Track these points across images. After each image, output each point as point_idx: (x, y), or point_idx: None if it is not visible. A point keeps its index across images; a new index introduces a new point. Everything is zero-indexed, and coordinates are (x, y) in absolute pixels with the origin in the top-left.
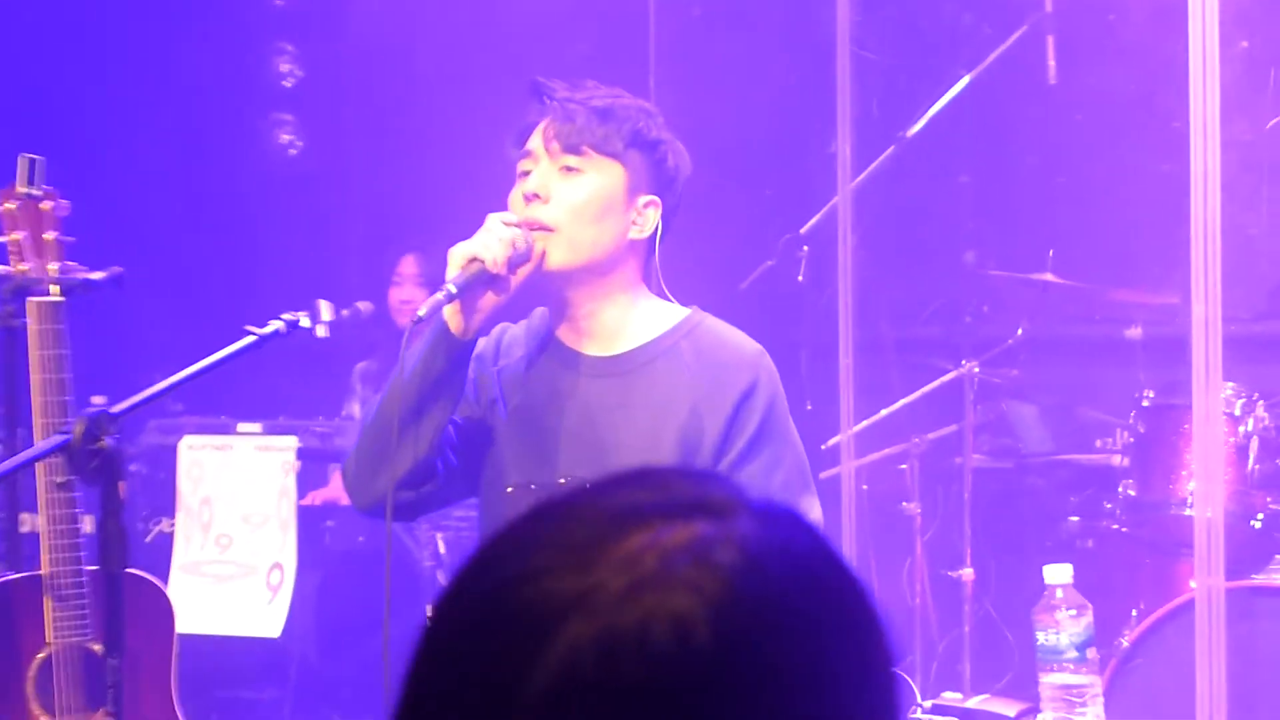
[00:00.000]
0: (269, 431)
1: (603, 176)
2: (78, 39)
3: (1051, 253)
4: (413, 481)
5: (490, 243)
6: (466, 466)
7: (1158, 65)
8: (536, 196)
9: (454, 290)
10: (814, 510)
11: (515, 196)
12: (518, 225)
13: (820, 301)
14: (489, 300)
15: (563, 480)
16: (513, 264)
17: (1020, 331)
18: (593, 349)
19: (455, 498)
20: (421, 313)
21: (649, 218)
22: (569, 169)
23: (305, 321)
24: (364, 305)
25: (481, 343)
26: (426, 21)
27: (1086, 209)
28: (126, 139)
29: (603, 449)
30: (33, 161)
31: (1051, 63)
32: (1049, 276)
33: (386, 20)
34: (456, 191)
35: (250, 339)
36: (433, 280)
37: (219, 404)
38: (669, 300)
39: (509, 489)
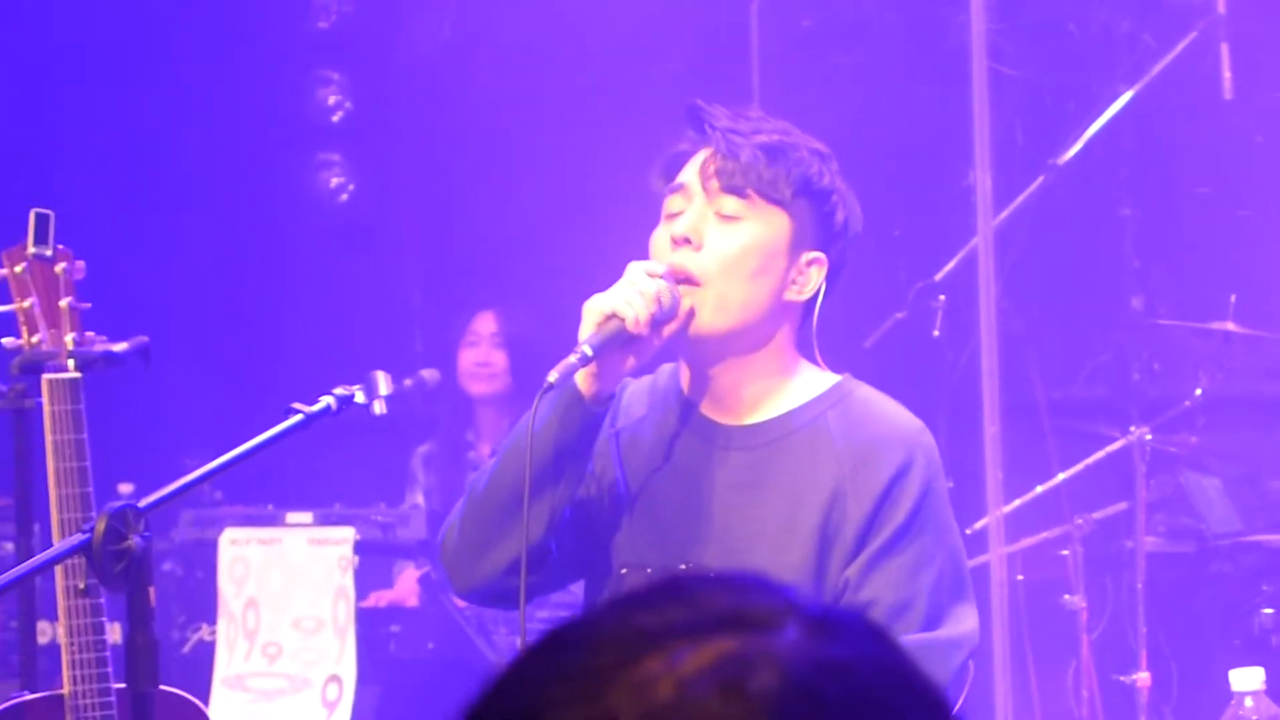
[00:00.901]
0: (322, 522)
1: (765, 227)
2: (92, 70)
3: (1234, 298)
4: (529, 567)
5: (632, 297)
6: (578, 547)
7: None
8: (687, 240)
9: (589, 352)
10: (966, 622)
11: (660, 238)
12: (663, 276)
13: (960, 360)
14: (627, 363)
15: (684, 565)
16: (656, 322)
17: (1199, 391)
18: (729, 418)
19: (568, 582)
20: (552, 378)
21: (811, 277)
22: (727, 215)
23: (360, 397)
24: (429, 374)
25: None
26: (493, 39)
27: (1273, 245)
28: (149, 187)
29: (731, 532)
30: (43, 217)
31: (1227, 75)
32: (1231, 326)
33: (447, 40)
34: (538, 238)
35: (297, 418)
36: (513, 341)
37: (264, 491)
38: (820, 368)
39: (623, 570)
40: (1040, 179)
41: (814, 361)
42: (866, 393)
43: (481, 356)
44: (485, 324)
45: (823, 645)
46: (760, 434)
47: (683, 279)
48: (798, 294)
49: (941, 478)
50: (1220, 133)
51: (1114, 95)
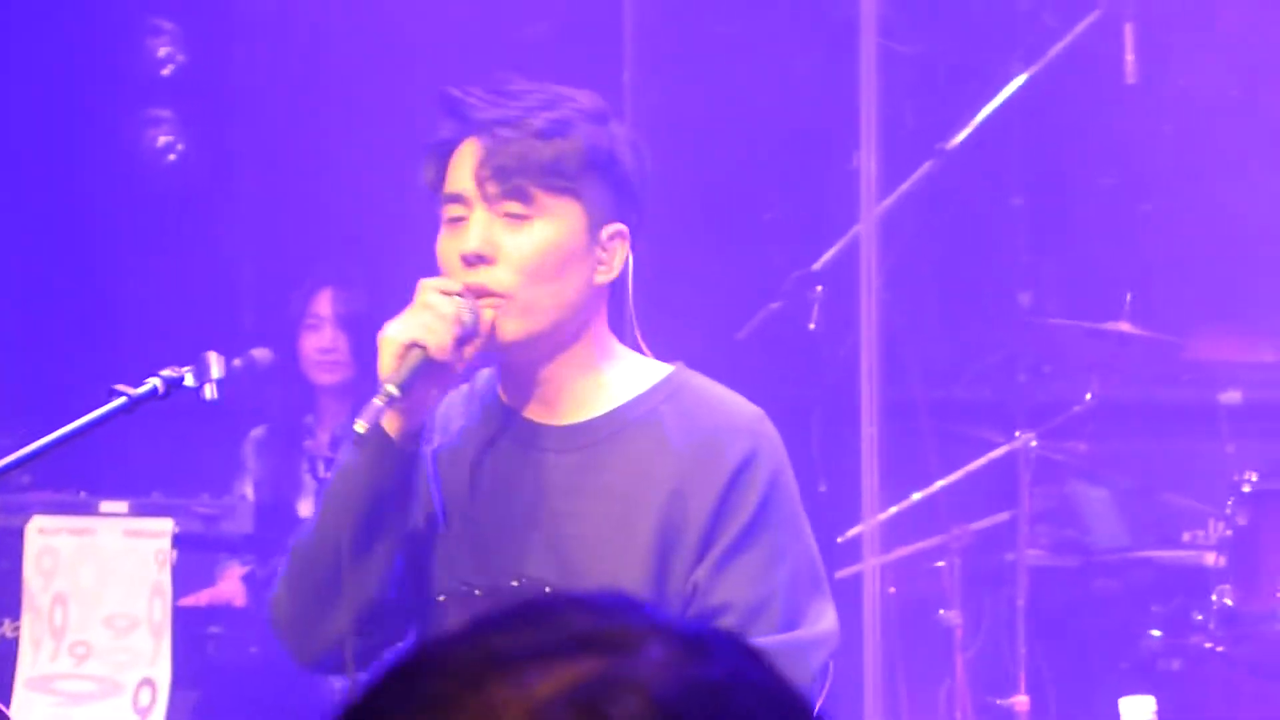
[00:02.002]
0: (139, 512)
1: (558, 221)
2: None
3: (1129, 297)
4: (363, 629)
5: (430, 323)
6: (412, 582)
7: (1264, 61)
8: (482, 259)
9: (395, 392)
10: (826, 619)
11: (447, 251)
12: (459, 294)
13: (838, 355)
14: (432, 394)
15: (516, 583)
16: (460, 342)
17: (1089, 396)
18: (551, 418)
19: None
20: (360, 428)
21: (616, 251)
22: (514, 216)
23: (190, 380)
24: (260, 353)
25: None
26: None
27: (1173, 242)
28: None
29: (563, 542)
30: None
31: (1130, 57)
32: (1125, 326)
33: None
34: (380, 209)
35: (120, 401)
36: (356, 322)
37: (77, 477)
38: (645, 355)
39: (440, 597)
40: (929, 164)
41: (635, 347)
42: (700, 382)
43: (326, 342)
44: (325, 305)
45: (691, 666)
46: (586, 433)
47: (484, 295)
48: (607, 274)
49: (787, 467)
50: (1122, 120)
51: (1010, 76)
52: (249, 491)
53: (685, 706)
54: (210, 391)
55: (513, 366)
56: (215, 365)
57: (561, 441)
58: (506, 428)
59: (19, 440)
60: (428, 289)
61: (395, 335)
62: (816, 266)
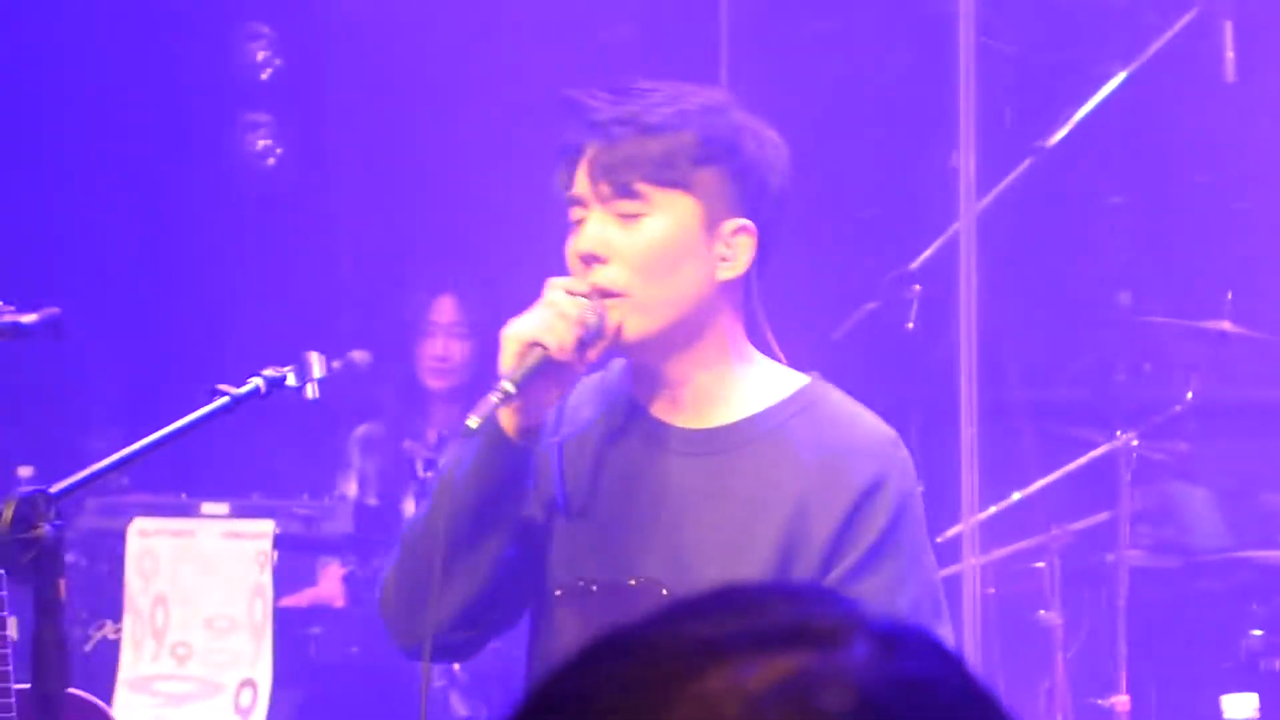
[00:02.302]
0: (239, 514)
1: (669, 217)
2: None
3: (1230, 295)
4: (469, 619)
5: (554, 323)
6: (525, 578)
7: None
8: (595, 258)
9: (511, 389)
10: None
11: (570, 253)
12: (585, 295)
13: (936, 355)
14: (551, 393)
15: (632, 581)
16: (582, 345)
17: (1190, 395)
18: (683, 420)
19: (522, 616)
20: (473, 424)
21: (740, 248)
22: (626, 215)
23: (292, 379)
24: (359, 355)
25: None
26: None
27: (1273, 240)
28: (62, 147)
29: (683, 545)
30: None
31: (1229, 55)
32: (1226, 325)
33: None
34: (488, 212)
35: (223, 400)
36: (478, 330)
37: (176, 479)
38: (779, 360)
39: (557, 592)
40: (1027, 162)
41: (769, 353)
42: (836, 398)
43: (439, 350)
44: (444, 312)
45: (895, 663)
46: (718, 439)
47: (605, 295)
48: (730, 270)
49: (917, 494)
50: (1221, 118)
51: (1108, 75)
52: (352, 488)
53: (893, 701)
54: (312, 391)
55: (641, 364)
56: (317, 365)
57: (689, 445)
58: (634, 424)
59: (117, 443)
60: (554, 288)
61: (517, 333)
62: (914, 266)
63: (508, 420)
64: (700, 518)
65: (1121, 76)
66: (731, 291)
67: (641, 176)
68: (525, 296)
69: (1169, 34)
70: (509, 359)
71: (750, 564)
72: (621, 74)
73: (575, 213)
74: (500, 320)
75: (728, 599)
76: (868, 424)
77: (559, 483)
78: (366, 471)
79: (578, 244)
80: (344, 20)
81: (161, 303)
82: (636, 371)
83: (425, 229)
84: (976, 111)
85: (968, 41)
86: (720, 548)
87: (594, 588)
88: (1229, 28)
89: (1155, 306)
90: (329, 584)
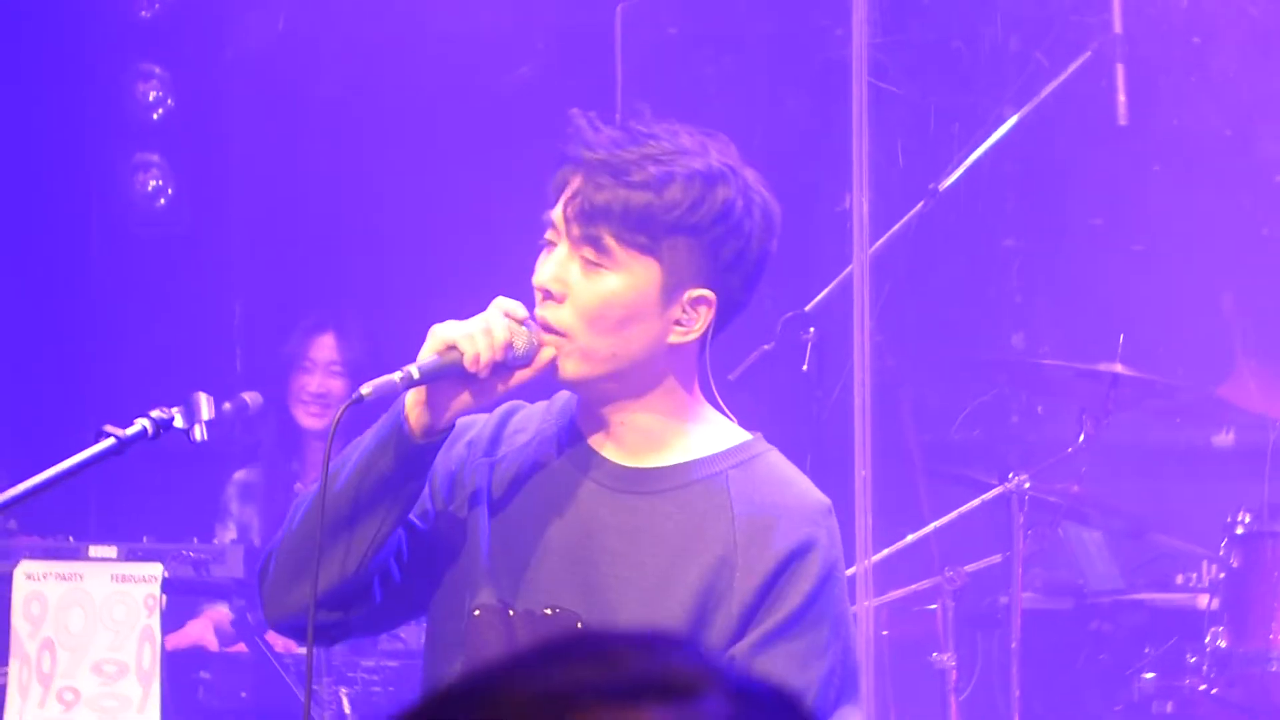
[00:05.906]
0: (128, 557)
1: (630, 277)
2: None
3: (1122, 338)
4: (339, 601)
5: (477, 336)
6: (416, 584)
7: (1255, 101)
8: (549, 294)
9: (415, 374)
10: None
11: (535, 278)
12: (525, 322)
13: (830, 398)
14: (462, 401)
15: (549, 611)
16: (504, 367)
17: (1082, 437)
18: (619, 456)
19: (396, 622)
20: (366, 392)
21: (698, 316)
22: (589, 262)
23: (180, 421)
24: (250, 397)
25: (479, 423)
26: (333, 33)
27: (1165, 283)
28: None
29: (603, 581)
30: None
31: (1122, 98)
32: (1118, 368)
33: (281, 33)
34: (376, 253)
35: (109, 442)
36: (354, 370)
37: (64, 521)
38: (728, 417)
39: (475, 611)
40: (920, 205)
41: (719, 408)
42: (774, 459)
43: (316, 385)
44: (324, 349)
45: (746, 714)
46: (650, 480)
47: (547, 329)
48: (683, 336)
49: (842, 565)
50: (1114, 160)
51: (1001, 118)
52: (230, 536)
53: None
54: (200, 433)
55: (585, 400)
56: (205, 406)
57: (620, 481)
58: (571, 451)
59: (2, 484)
60: (496, 306)
61: (442, 332)
62: (808, 308)
63: (412, 413)
64: (623, 555)
65: (1014, 119)
66: (685, 353)
67: (611, 233)
68: (408, 339)
69: (1062, 77)
70: (427, 352)
71: (668, 608)
72: (639, 113)
73: (548, 234)
74: (380, 362)
75: (587, 646)
76: (802, 488)
77: (485, 502)
78: (245, 519)
79: (539, 274)
80: (236, 62)
81: (49, 342)
82: (582, 401)
83: (315, 269)
84: (869, 154)
85: (860, 84)
86: (639, 588)
87: (511, 612)
88: (1121, 71)
89: (1048, 349)
90: (196, 625)
